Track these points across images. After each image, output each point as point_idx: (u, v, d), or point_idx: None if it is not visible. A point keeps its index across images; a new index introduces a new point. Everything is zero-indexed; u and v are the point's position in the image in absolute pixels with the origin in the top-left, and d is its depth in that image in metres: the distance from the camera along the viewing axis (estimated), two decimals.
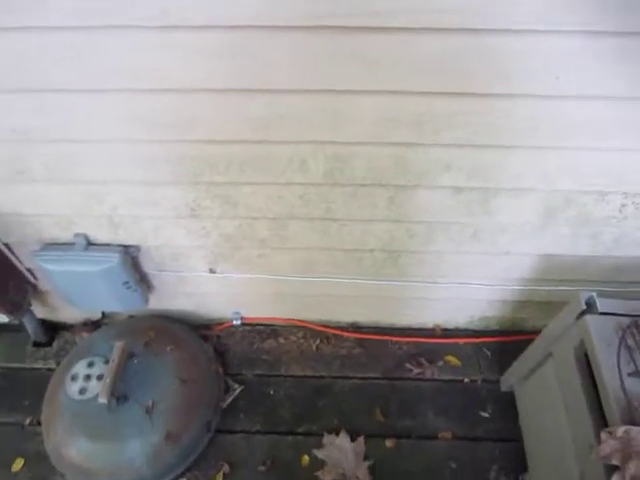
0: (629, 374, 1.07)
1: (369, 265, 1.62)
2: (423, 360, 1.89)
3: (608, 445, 0.99)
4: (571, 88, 1.02)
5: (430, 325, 1.99)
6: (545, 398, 1.45)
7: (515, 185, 1.26)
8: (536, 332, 1.54)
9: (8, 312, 1.62)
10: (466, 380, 1.84)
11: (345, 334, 1.95)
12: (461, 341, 1.93)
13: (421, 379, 1.85)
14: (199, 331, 1.94)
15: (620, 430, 0.98)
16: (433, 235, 1.47)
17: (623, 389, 1.04)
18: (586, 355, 1.18)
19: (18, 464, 1.69)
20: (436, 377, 1.85)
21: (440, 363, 1.89)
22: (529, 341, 1.58)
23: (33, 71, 1.05)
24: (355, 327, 1.99)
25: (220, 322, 2.00)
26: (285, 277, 1.69)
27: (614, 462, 0.99)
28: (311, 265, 1.63)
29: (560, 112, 1.07)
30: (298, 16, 0.92)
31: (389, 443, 1.70)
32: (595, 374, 1.13)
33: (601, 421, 1.09)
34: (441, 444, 1.71)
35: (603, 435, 1.00)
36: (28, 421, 1.77)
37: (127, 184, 1.32)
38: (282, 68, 1.02)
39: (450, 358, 1.90)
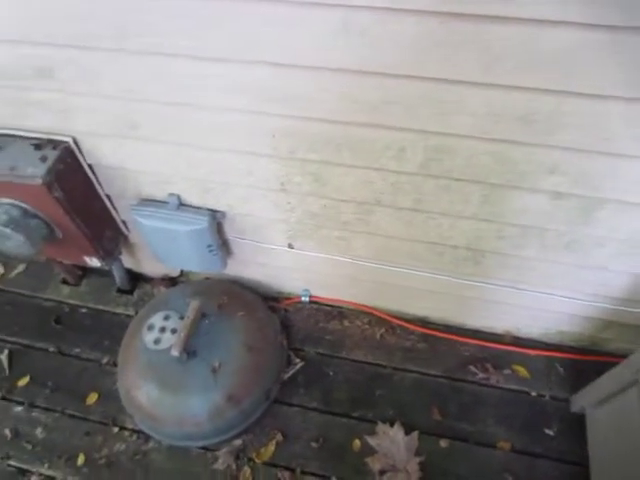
0: None
1: (449, 261, 1.58)
2: (489, 365, 1.83)
3: None
4: None
5: (501, 331, 1.92)
6: (623, 426, 1.36)
7: (624, 198, 1.17)
8: (617, 355, 1.46)
9: (101, 258, 1.73)
10: (533, 393, 1.77)
11: (411, 327, 1.93)
12: (532, 352, 1.85)
13: (485, 384, 1.80)
14: (268, 302, 1.99)
15: None
16: (524, 239, 1.40)
17: None
18: None
19: (92, 398, 1.83)
20: (501, 385, 1.79)
21: (507, 371, 1.82)
22: (608, 363, 1.49)
23: (157, 36, 1.09)
24: (423, 321, 1.96)
25: (289, 296, 2.04)
26: (361, 262, 1.68)
27: None
28: (389, 253, 1.62)
29: None
30: (425, 0, 0.89)
31: (443, 443, 1.68)
32: None
33: None
34: (498, 454, 1.66)
35: None
36: (106, 360, 1.91)
37: (226, 152, 1.36)
38: (400, 52, 0.99)
39: (518, 368, 1.83)
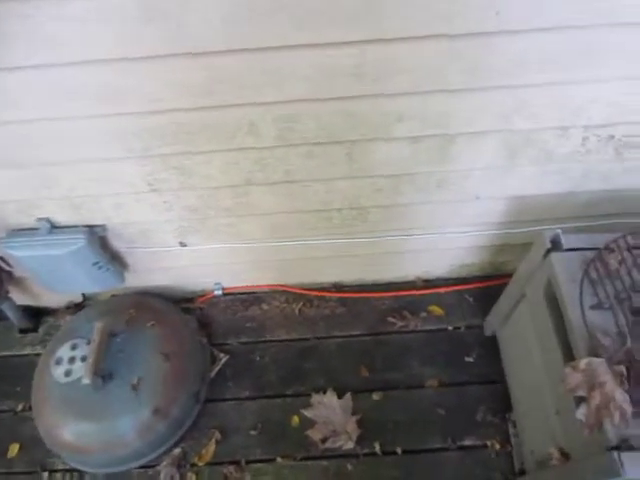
0: (591, 307, 1.06)
1: (340, 224, 1.60)
2: (406, 313, 1.90)
3: (573, 378, 1.00)
4: (511, 23, 0.97)
5: (412, 278, 1.99)
6: (522, 339, 1.46)
7: (471, 129, 1.22)
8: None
9: None
10: (450, 328, 1.86)
11: (327, 295, 1.96)
12: (443, 290, 1.94)
13: (405, 331, 1.86)
14: (181, 304, 1.95)
15: (583, 363, 0.98)
16: (399, 188, 1.44)
17: (585, 322, 1.03)
18: (554, 293, 1.18)
19: (13, 450, 1.73)
20: (420, 328, 1.86)
21: (423, 314, 1.90)
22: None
23: None
24: (337, 287, 1.99)
25: (202, 294, 2.00)
26: (258, 244, 1.67)
27: (580, 394, 1.00)
28: (281, 229, 1.62)
29: (504, 48, 1.03)
30: None
31: (376, 396, 1.73)
32: (562, 311, 1.13)
33: (570, 356, 1.10)
34: (428, 392, 1.73)
35: (567, 369, 1.00)
36: (21, 407, 1.80)
37: (78, 163, 1.29)
38: (212, 28, 0.96)
39: (433, 308, 1.91)
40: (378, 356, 1.82)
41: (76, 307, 2.00)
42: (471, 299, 1.92)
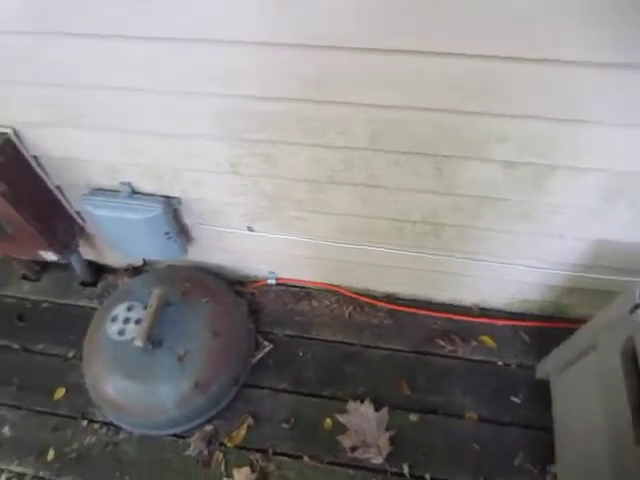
0: None
1: (410, 236, 1.57)
2: (456, 337, 1.84)
3: None
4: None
5: (467, 303, 1.93)
6: (583, 391, 1.38)
7: (575, 163, 1.16)
8: (580, 321, 1.46)
9: (57, 251, 1.68)
10: (500, 363, 1.79)
11: (379, 304, 1.93)
12: (498, 322, 1.87)
13: (452, 357, 1.81)
14: (234, 287, 1.97)
15: None
16: (481, 211, 1.39)
17: None
18: (634, 352, 1.10)
19: (60, 393, 1.80)
20: (468, 356, 1.81)
21: (474, 343, 1.84)
22: (572, 330, 1.50)
23: (89, 17, 1.04)
24: (390, 298, 1.96)
25: (255, 280, 2.02)
26: (323, 241, 1.66)
27: None
28: (349, 231, 1.60)
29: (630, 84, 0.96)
30: None
31: (413, 417, 1.69)
32: None
33: None
34: (467, 424, 1.68)
35: None
36: (71, 354, 1.88)
37: (172, 136, 1.32)
38: (339, 23, 0.95)
39: (485, 338, 1.84)
40: (421, 376, 1.77)
41: (134, 270, 2.07)
42: (527, 337, 1.84)
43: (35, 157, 1.48)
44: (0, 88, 1.28)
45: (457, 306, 1.92)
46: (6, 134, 1.38)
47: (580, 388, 1.43)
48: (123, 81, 1.18)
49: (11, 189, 1.41)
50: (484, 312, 1.91)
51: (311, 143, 1.25)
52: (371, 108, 1.12)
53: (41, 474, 1.65)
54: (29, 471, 1.66)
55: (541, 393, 1.69)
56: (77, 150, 1.45)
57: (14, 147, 1.41)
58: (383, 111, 1.12)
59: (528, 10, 0.88)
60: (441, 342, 1.83)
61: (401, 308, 1.91)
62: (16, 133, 1.40)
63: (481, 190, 1.32)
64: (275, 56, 1.05)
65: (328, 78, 1.07)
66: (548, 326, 1.84)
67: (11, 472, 1.66)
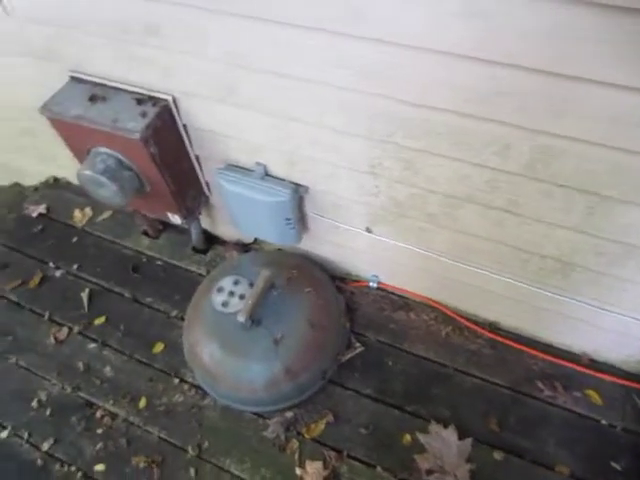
0: None
1: (534, 270, 1.48)
2: (558, 384, 1.72)
3: None
4: None
5: (577, 350, 1.79)
6: None
7: None
8: None
9: (182, 216, 1.78)
10: (604, 422, 1.65)
11: (480, 330, 1.85)
12: (608, 378, 1.72)
13: (551, 403, 1.70)
14: (335, 282, 1.98)
15: None
16: (625, 260, 1.28)
17: None
18: None
19: (158, 347, 1.92)
20: (569, 407, 1.68)
21: (577, 394, 1.71)
22: None
23: (266, 2, 1.07)
24: (493, 326, 1.87)
25: (356, 279, 2.02)
26: (438, 256, 1.62)
27: None
28: (470, 252, 1.54)
29: None
30: None
31: (498, 455, 1.61)
32: None
33: None
34: (555, 477, 1.57)
35: None
36: (174, 313, 1.99)
37: (318, 126, 1.33)
38: (524, 41, 0.91)
39: (591, 393, 1.71)
40: (513, 415, 1.68)
41: (243, 246, 2.14)
42: (639, 401, 1.69)
43: (185, 125, 1.57)
44: (170, 57, 1.35)
45: (565, 351, 1.80)
46: (166, 101, 1.47)
47: None
48: (279, 67, 1.21)
49: (160, 153, 1.50)
50: (594, 364, 1.77)
51: (460, 158, 1.21)
52: (540, 135, 1.05)
53: (131, 419, 1.76)
54: (121, 413, 1.78)
55: None
56: (224, 125, 1.51)
57: (170, 114, 1.50)
58: (553, 140, 1.06)
59: None
60: (541, 385, 1.73)
61: (503, 339, 1.82)
62: (175, 101, 1.48)
63: (634, 238, 1.21)
64: (447, 66, 1.02)
65: (500, 97, 1.03)
66: None
67: (106, 410, 1.79)
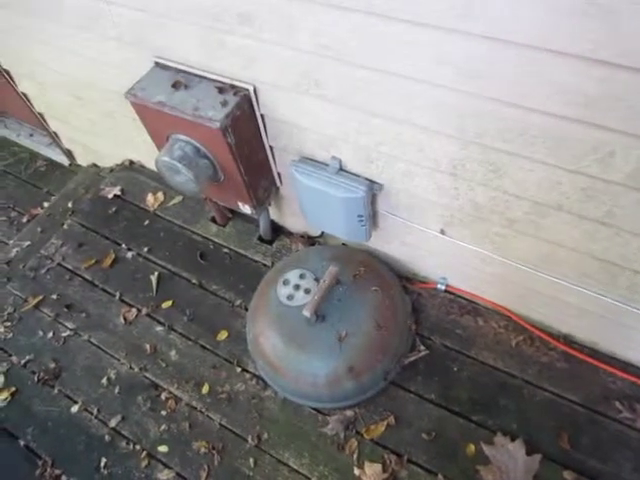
0: None
1: (623, 284, 1.38)
2: (639, 407, 1.61)
3: None
4: None
5: None
6: None
7: None
8: None
9: (253, 206, 1.78)
10: None
11: (553, 342, 1.75)
12: None
13: (629, 425, 1.59)
14: (402, 281, 1.93)
15: None
16: None
17: None
18: None
19: (222, 335, 1.95)
20: None
21: None
22: None
23: None
24: (567, 339, 1.77)
25: (423, 280, 1.96)
26: (515, 264, 1.54)
27: None
28: (553, 262, 1.46)
29: None
30: None
31: (568, 475, 1.53)
32: None
33: None
34: None
35: None
36: (239, 302, 2.01)
37: (403, 124, 1.28)
38: None
39: None
40: (587, 435, 1.59)
41: (309, 239, 2.13)
42: None
43: (262, 116, 1.56)
44: (258, 46, 1.32)
45: None
46: (247, 90, 1.46)
47: None
48: (373, 61, 1.16)
49: (237, 143, 1.50)
50: None
51: (555, 164, 1.13)
52: None
53: (194, 404, 1.81)
54: (185, 397, 1.83)
55: None
56: (303, 117, 1.48)
57: (250, 104, 1.49)
58: None
59: None
60: (619, 405, 1.62)
61: (578, 354, 1.72)
62: (255, 91, 1.47)
63: None
64: (555, 66, 0.94)
65: (610, 101, 0.94)
66: None
67: (170, 393, 1.84)
